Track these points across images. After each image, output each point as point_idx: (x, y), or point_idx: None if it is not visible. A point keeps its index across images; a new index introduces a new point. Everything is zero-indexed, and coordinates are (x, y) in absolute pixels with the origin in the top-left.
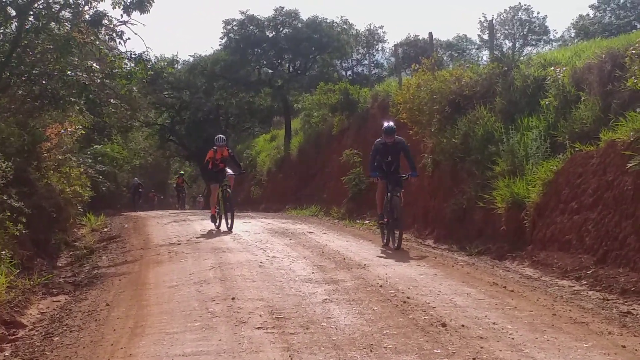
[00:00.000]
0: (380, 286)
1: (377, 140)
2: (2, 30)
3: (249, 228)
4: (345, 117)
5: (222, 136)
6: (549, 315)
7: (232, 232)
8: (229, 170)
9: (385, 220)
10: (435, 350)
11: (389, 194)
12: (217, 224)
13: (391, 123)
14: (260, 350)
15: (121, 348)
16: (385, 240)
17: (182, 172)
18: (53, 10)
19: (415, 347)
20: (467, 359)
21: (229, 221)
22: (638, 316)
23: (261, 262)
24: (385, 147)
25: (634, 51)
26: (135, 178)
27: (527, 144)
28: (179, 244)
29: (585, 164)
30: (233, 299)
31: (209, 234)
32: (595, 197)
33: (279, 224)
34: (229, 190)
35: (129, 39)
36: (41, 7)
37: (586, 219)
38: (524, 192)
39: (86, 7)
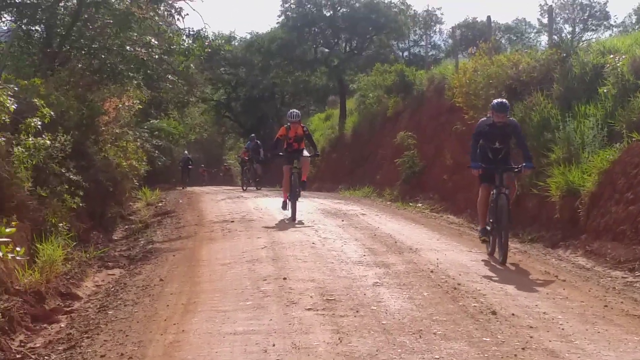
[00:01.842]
0: (431, 271)
1: (482, 119)
2: (63, 4)
3: (302, 207)
4: (401, 99)
5: (296, 111)
6: (600, 306)
7: (294, 221)
8: (305, 152)
9: (491, 222)
10: (484, 339)
11: (494, 190)
12: (288, 213)
13: (504, 100)
14: (310, 332)
15: (174, 324)
16: (490, 249)
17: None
18: None
19: (464, 334)
20: (516, 348)
21: (295, 210)
22: None
23: (313, 243)
24: (492, 130)
25: None
26: (185, 152)
27: (583, 132)
28: (232, 222)
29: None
30: (284, 279)
31: (262, 212)
32: None
33: (332, 204)
34: (299, 172)
35: (187, 15)
36: None
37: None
38: (579, 180)
39: None
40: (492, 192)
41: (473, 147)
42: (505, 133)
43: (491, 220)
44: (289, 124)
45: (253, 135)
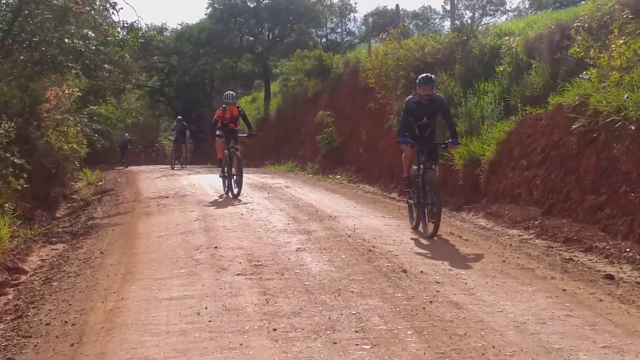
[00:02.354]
0: (349, 236)
1: (409, 97)
2: (4, 1)
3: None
4: (320, 81)
5: (232, 93)
6: (499, 262)
7: (239, 199)
8: (241, 134)
9: (415, 200)
10: (396, 295)
11: (421, 165)
12: (225, 189)
13: (429, 74)
14: (239, 295)
15: (114, 292)
16: (414, 223)
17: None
18: None
19: (378, 291)
20: (424, 302)
21: (236, 189)
22: (578, 262)
23: (241, 214)
24: (419, 106)
25: (578, 23)
26: (126, 134)
27: (483, 107)
28: (167, 197)
29: (534, 125)
30: (216, 247)
31: (195, 188)
32: (543, 155)
33: (259, 179)
34: (237, 154)
35: (121, 9)
36: None
37: (535, 175)
38: (480, 150)
39: None
40: (419, 167)
41: (402, 123)
42: (432, 109)
43: (416, 196)
44: (224, 105)
45: (179, 117)
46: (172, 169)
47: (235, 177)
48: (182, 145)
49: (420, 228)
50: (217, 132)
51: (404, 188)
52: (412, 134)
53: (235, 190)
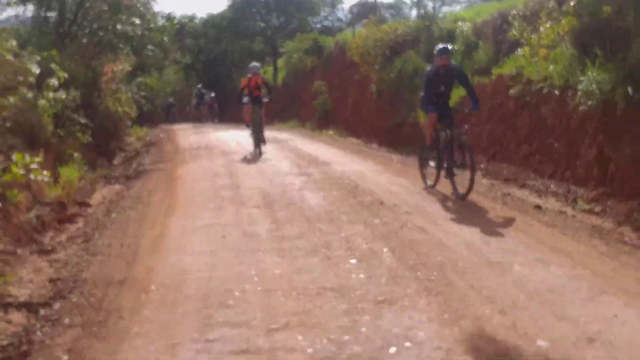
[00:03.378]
0: (339, 178)
1: (427, 69)
2: None
3: (245, 137)
4: (315, 58)
5: (257, 64)
6: (454, 196)
7: (262, 152)
8: (265, 99)
9: (440, 159)
10: (375, 222)
11: (448, 131)
12: (255, 148)
13: (445, 45)
14: (255, 223)
15: (159, 222)
16: (434, 182)
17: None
18: None
19: (361, 219)
20: (396, 227)
21: (261, 145)
22: (514, 196)
23: (258, 162)
24: (437, 75)
25: (515, 12)
26: (170, 99)
27: None
28: (198, 149)
29: (482, 92)
30: (237, 187)
31: (220, 142)
32: (488, 115)
33: (269, 134)
34: (262, 116)
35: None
36: None
37: (482, 130)
38: None
39: None
40: (446, 132)
41: (426, 94)
42: (449, 77)
43: (441, 159)
44: (250, 75)
45: (199, 86)
46: (199, 127)
47: (260, 136)
48: (202, 107)
49: (437, 186)
50: (244, 99)
51: (427, 155)
52: (431, 101)
53: (260, 147)
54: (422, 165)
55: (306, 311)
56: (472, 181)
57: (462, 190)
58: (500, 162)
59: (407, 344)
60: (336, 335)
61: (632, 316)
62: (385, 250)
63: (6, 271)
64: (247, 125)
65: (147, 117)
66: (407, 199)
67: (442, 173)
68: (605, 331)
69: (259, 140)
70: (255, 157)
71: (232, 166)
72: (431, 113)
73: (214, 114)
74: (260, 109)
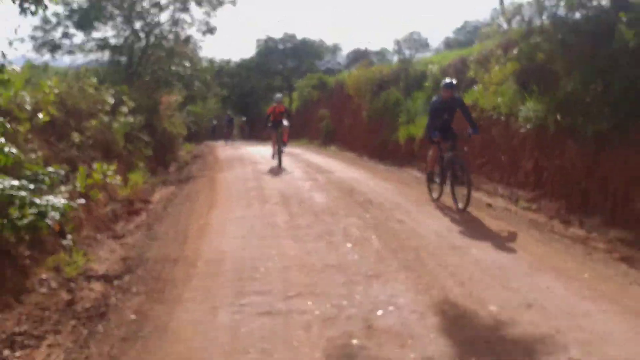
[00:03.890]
0: (339, 182)
1: (433, 99)
2: (136, 46)
3: (268, 152)
4: (321, 92)
5: (279, 95)
6: (427, 196)
7: (283, 169)
8: (285, 122)
9: (443, 176)
10: (366, 215)
11: (449, 153)
12: (278, 163)
13: (451, 80)
14: (275, 215)
15: (204, 215)
16: (436, 195)
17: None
18: (164, 34)
19: (355, 214)
20: (382, 219)
21: (281, 159)
22: (472, 197)
23: (278, 170)
24: (442, 105)
25: (472, 57)
26: (214, 120)
27: (416, 107)
28: (232, 159)
29: None
30: (262, 189)
31: (249, 154)
32: None
33: (286, 150)
34: (283, 137)
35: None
36: (157, 31)
37: None
38: (414, 131)
39: (182, 33)
40: (447, 154)
41: (431, 121)
42: (452, 107)
43: (444, 176)
44: (274, 104)
45: (228, 112)
46: (226, 145)
47: (281, 152)
48: (230, 131)
49: (440, 200)
50: (269, 124)
51: (432, 179)
52: (437, 128)
53: (280, 161)
54: (429, 181)
55: (314, 283)
56: (469, 195)
57: (461, 203)
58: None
59: (391, 307)
60: (337, 300)
61: (560, 287)
62: (373, 237)
63: (89, 251)
64: (273, 157)
65: (194, 136)
66: (390, 198)
67: (445, 188)
68: (540, 298)
69: (279, 157)
70: (276, 166)
71: (258, 173)
72: (434, 144)
73: (245, 133)
74: (282, 129)
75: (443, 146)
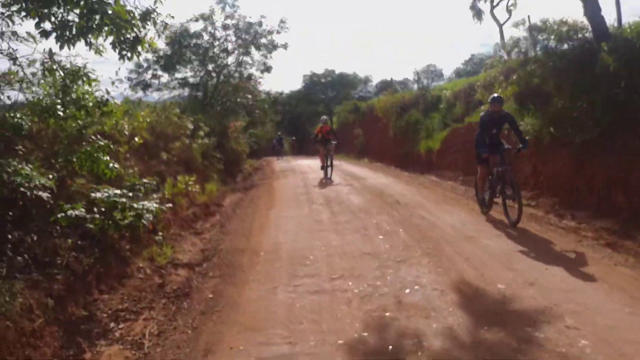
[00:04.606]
0: (371, 186)
1: (482, 114)
2: (210, 83)
3: (313, 163)
4: (355, 115)
5: (325, 117)
6: (442, 197)
7: (331, 180)
8: (333, 141)
9: (492, 191)
10: (393, 213)
11: (498, 168)
12: (325, 175)
13: (499, 95)
14: (320, 214)
15: (264, 214)
16: (487, 209)
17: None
18: (231, 73)
19: (385, 212)
20: (407, 217)
21: (330, 173)
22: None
23: (321, 178)
24: (491, 119)
25: (478, 83)
26: (275, 138)
27: (433, 124)
28: (285, 171)
29: (457, 133)
30: (309, 193)
31: (299, 166)
32: (462, 146)
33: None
34: (331, 153)
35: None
36: (225, 71)
37: (458, 156)
38: (432, 145)
39: (244, 72)
40: (497, 169)
41: (481, 136)
42: (500, 121)
43: (494, 190)
44: (321, 124)
45: (279, 133)
46: (277, 160)
47: (329, 166)
48: (281, 148)
49: (490, 214)
50: (318, 141)
51: (482, 206)
52: (485, 143)
53: (329, 173)
54: (478, 195)
55: (353, 267)
56: (520, 210)
57: (513, 218)
58: (470, 175)
59: (416, 287)
60: (372, 281)
61: (557, 269)
62: (400, 230)
63: (176, 245)
64: (322, 168)
65: (255, 153)
66: (413, 199)
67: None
68: (540, 278)
69: (327, 170)
70: (319, 174)
71: (306, 181)
72: (481, 166)
73: (295, 150)
74: (330, 147)
75: (492, 160)
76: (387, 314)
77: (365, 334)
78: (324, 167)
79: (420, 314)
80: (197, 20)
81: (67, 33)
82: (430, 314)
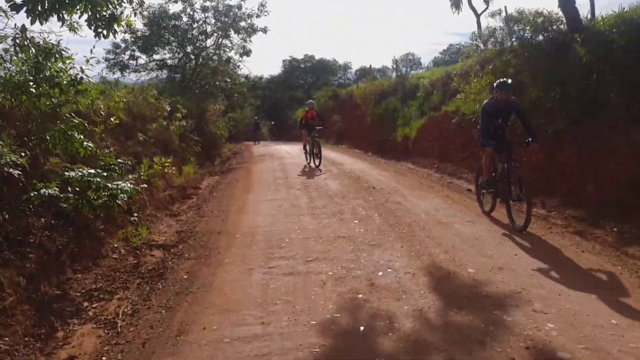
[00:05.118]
0: (348, 172)
1: (486, 102)
2: (188, 65)
3: (293, 148)
4: (334, 101)
5: (311, 101)
6: (418, 183)
7: (320, 170)
8: (318, 127)
9: (496, 191)
10: (369, 198)
11: (504, 165)
12: (307, 161)
13: (506, 79)
14: (298, 199)
15: (241, 197)
16: (489, 209)
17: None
18: (209, 56)
19: (361, 197)
20: (382, 202)
21: (317, 161)
22: (455, 184)
23: (299, 163)
24: (496, 108)
25: (455, 72)
26: (256, 117)
27: (411, 112)
28: (264, 155)
29: (434, 121)
30: (287, 178)
31: (277, 151)
32: (438, 134)
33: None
34: (317, 139)
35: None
36: (204, 54)
37: (434, 144)
38: (409, 132)
39: (224, 55)
40: (503, 165)
41: (483, 126)
42: (507, 110)
43: (496, 189)
44: (307, 108)
45: (255, 118)
46: (254, 144)
47: (317, 154)
48: (258, 132)
49: (492, 215)
50: (302, 129)
51: (487, 188)
52: (489, 134)
53: (317, 162)
54: (479, 192)
55: (328, 250)
56: (528, 214)
57: (519, 222)
58: (445, 162)
59: (389, 270)
60: (346, 264)
61: (526, 255)
62: (375, 215)
63: (151, 226)
64: (304, 148)
65: (234, 137)
66: (389, 184)
67: (498, 200)
68: (510, 263)
69: (312, 157)
70: (298, 160)
71: (284, 166)
72: (487, 147)
73: (274, 135)
74: (315, 133)
75: (496, 157)
76: (360, 295)
77: (338, 315)
78: (306, 152)
79: (392, 296)
80: (176, 1)
81: (39, 7)
82: (401, 297)
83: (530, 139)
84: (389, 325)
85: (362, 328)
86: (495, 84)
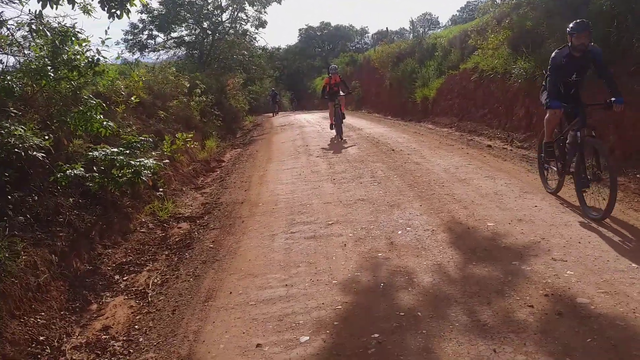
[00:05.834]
0: (367, 136)
1: (555, 52)
2: (206, 41)
3: (311, 117)
4: (352, 67)
5: (334, 66)
6: (437, 143)
7: (342, 139)
8: (341, 92)
9: (562, 168)
10: (389, 160)
11: (577, 132)
12: (334, 132)
13: (584, 20)
14: (318, 165)
15: (263, 167)
16: (556, 188)
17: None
18: (226, 30)
19: (380, 159)
20: (401, 162)
21: (341, 132)
22: (475, 141)
23: (319, 131)
24: (570, 60)
25: (472, 29)
26: (273, 88)
27: (429, 72)
28: (284, 125)
29: (453, 79)
30: (307, 145)
31: (297, 121)
32: (457, 93)
33: (324, 114)
34: (341, 109)
35: (257, 40)
36: (220, 28)
37: (454, 102)
38: (428, 93)
39: (239, 28)
40: (575, 133)
41: (551, 84)
42: (584, 63)
43: (565, 164)
44: (330, 74)
45: (273, 89)
46: (273, 116)
47: (340, 125)
48: (275, 104)
49: (591, 210)
50: (326, 96)
51: (546, 156)
52: (559, 94)
53: (341, 131)
54: (542, 165)
55: (348, 213)
56: (612, 199)
57: (596, 211)
58: (465, 121)
59: (408, 228)
60: (366, 225)
61: (545, 206)
62: (395, 176)
63: (177, 200)
64: (331, 128)
65: (254, 109)
66: (408, 146)
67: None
68: (528, 215)
69: (339, 127)
70: (316, 127)
71: (304, 134)
72: (556, 109)
73: (294, 105)
74: (339, 101)
75: (566, 123)
76: (380, 254)
77: (359, 273)
78: (332, 125)
79: (412, 253)
80: None
81: None
82: (421, 253)
83: (613, 99)
84: (408, 281)
85: (382, 285)
86: (570, 26)
